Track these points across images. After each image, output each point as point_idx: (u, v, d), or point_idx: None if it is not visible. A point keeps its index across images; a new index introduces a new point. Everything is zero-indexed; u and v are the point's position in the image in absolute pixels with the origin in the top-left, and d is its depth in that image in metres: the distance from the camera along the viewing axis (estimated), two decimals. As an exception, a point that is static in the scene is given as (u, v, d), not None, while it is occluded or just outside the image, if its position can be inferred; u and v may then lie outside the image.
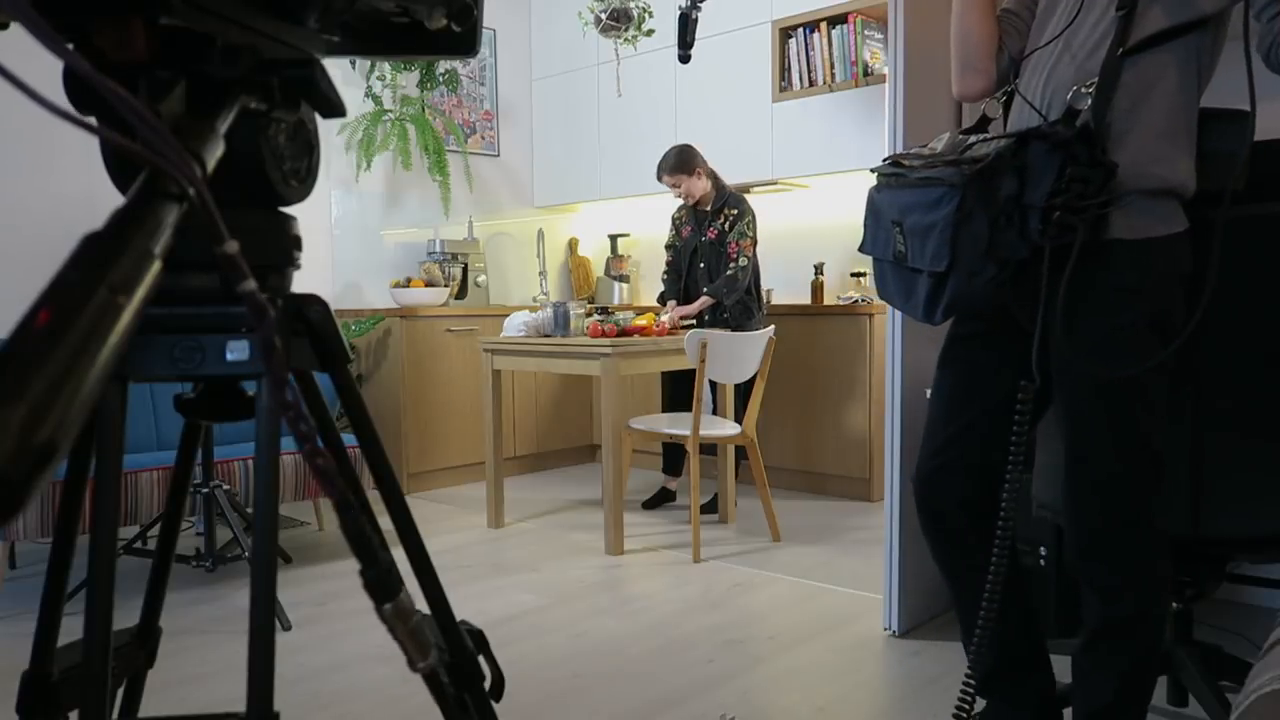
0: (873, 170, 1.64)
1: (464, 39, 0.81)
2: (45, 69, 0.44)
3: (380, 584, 0.61)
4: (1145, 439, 1.46)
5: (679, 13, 1.96)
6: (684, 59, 1.82)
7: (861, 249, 1.68)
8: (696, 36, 2.00)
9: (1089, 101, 1.40)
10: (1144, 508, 1.48)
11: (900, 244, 1.52)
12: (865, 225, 1.66)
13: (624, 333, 3.59)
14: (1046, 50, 1.52)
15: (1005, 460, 1.46)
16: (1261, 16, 1.35)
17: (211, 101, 0.60)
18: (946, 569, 1.74)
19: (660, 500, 4.17)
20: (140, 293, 0.40)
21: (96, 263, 0.39)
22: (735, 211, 3.91)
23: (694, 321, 3.89)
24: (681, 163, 3.89)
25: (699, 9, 1.96)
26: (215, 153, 0.55)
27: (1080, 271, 1.39)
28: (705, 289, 3.91)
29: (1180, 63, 1.41)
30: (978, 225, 1.37)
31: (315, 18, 0.68)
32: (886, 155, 1.59)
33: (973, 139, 1.49)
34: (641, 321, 3.65)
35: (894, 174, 1.55)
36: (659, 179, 3.97)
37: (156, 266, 0.42)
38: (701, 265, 3.98)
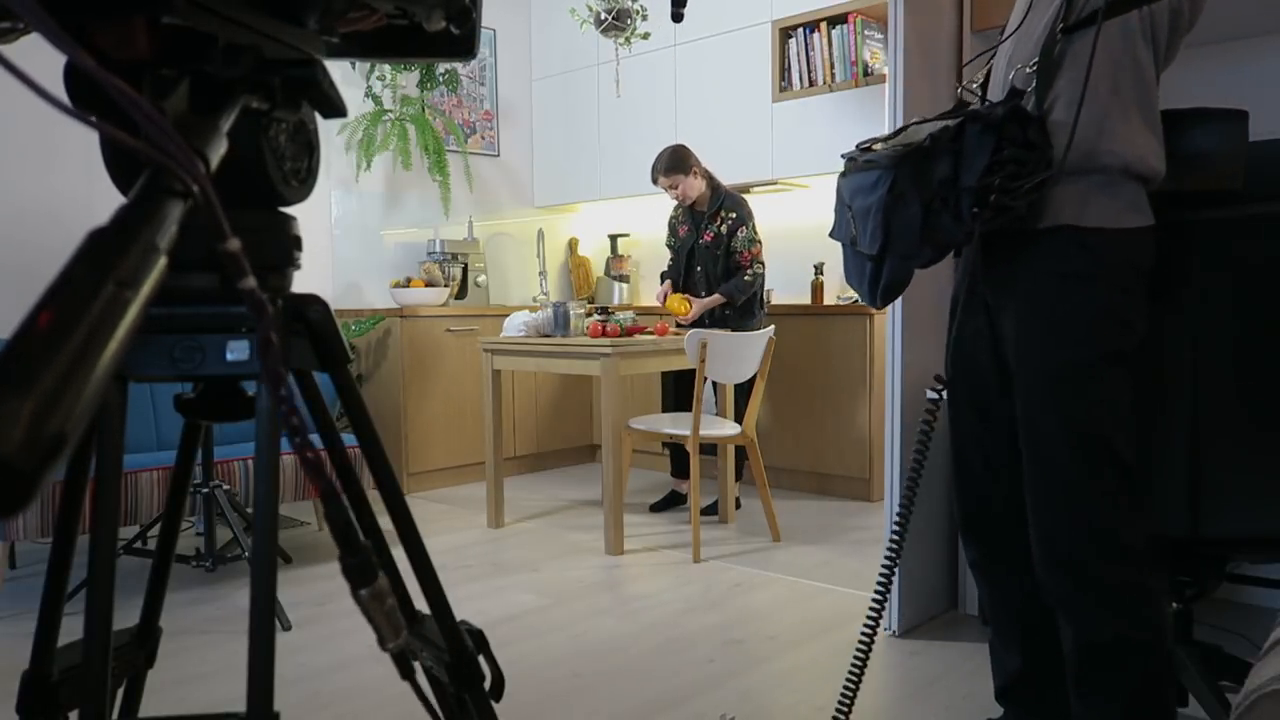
0: (842, 156, 1.62)
1: (462, 41, 0.82)
2: (43, 68, 0.44)
3: (360, 570, 0.62)
4: (1103, 438, 1.39)
5: None
6: (677, 18, 1.85)
7: (830, 234, 1.69)
8: (690, 47, 2.01)
9: (1033, 82, 1.37)
10: (1108, 516, 1.39)
11: (853, 227, 1.52)
12: (835, 211, 1.65)
13: (626, 333, 3.59)
14: (1010, 41, 1.52)
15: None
16: None
17: (214, 100, 0.60)
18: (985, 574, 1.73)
19: (669, 503, 4.14)
20: (146, 287, 0.40)
21: (102, 258, 0.39)
22: (734, 215, 3.88)
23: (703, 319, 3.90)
24: (676, 162, 3.85)
25: None
26: (219, 150, 0.55)
27: (1024, 257, 1.37)
28: (719, 288, 3.88)
29: (1128, 35, 1.36)
30: (910, 208, 1.36)
31: (315, 19, 0.68)
32: (861, 141, 1.58)
33: (912, 122, 1.48)
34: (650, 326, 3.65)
35: (851, 158, 1.55)
36: (654, 181, 3.93)
37: (162, 262, 0.42)
38: (698, 268, 3.96)
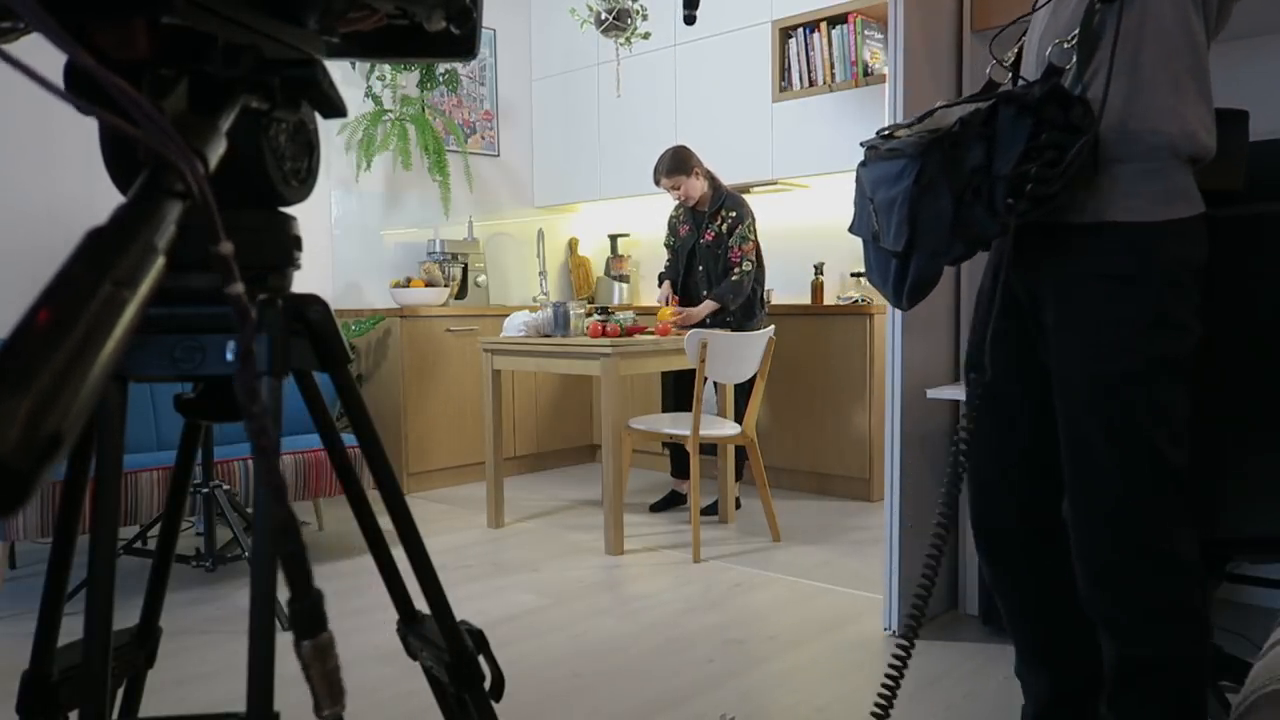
0: (862, 144, 1.51)
1: (462, 41, 0.81)
2: (43, 67, 0.44)
3: (307, 618, 0.59)
4: (1154, 451, 1.29)
5: None
6: (689, 20, 1.77)
7: (850, 229, 1.57)
8: (690, 47, 1.97)
9: (1073, 58, 1.26)
10: (1160, 533, 1.30)
11: (875, 222, 1.40)
12: (854, 203, 1.53)
13: (626, 333, 3.59)
14: (1043, 10, 1.40)
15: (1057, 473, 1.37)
16: None
17: (213, 100, 0.60)
18: (1002, 586, 1.60)
19: (670, 503, 4.14)
20: (144, 287, 0.40)
21: (101, 257, 0.39)
22: (734, 214, 3.88)
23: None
24: (678, 163, 3.86)
25: None
26: (217, 150, 0.55)
27: (1066, 256, 1.28)
28: (709, 294, 3.88)
29: (1179, 3, 1.26)
30: (940, 199, 1.24)
31: (315, 19, 0.68)
32: (882, 127, 1.47)
33: (938, 105, 1.36)
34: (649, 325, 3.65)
35: (873, 146, 1.43)
36: (656, 183, 3.94)
37: (160, 261, 0.42)
38: (700, 268, 3.96)
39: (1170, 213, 1.27)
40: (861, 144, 1.51)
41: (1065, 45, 1.28)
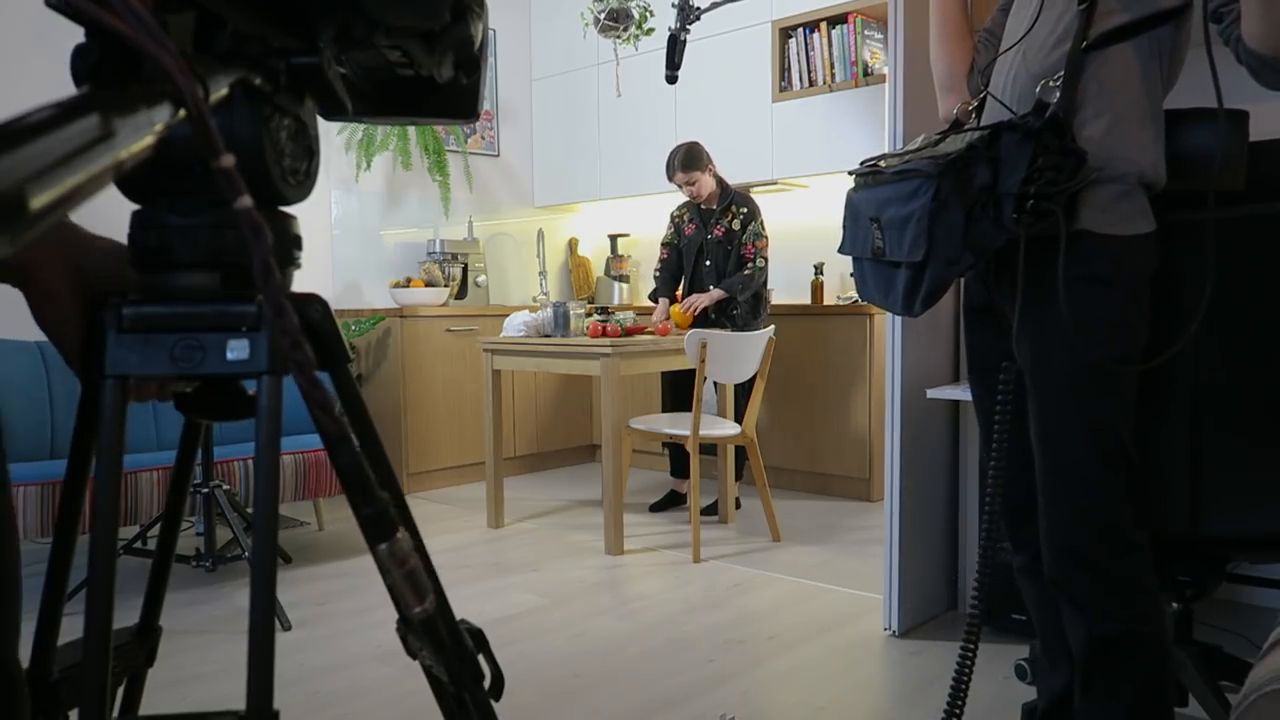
0: (850, 173, 1.67)
1: (465, 98, 0.82)
2: (42, 57, 0.44)
3: (377, 523, 0.57)
4: (1118, 436, 1.45)
5: (669, 33, 1.99)
6: (671, 79, 1.89)
7: (841, 250, 1.72)
8: (690, 47, 2.05)
9: (1057, 95, 1.43)
10: (1120, 512, 1.45)
11: (878, 240, 1.55)
12: (844, 227, 1.70)
13: (626, 333, 3.59)
14: (1011, 53, 1.57)
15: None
16: (1221, 20, 1.35)
17: (218, 55, 0.60)
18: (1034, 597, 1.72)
19: (669, 503, 4.14)
20: (128, 151, 0.40)
21: (105, 103, 0.39)
22: (745, 210, 3.91)
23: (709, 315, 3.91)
24: (693, 159, 3.87)
25: (688, 31, 1.99)
26: (217, 87, 0.55)
27: (1050, 261, 1.41)
28: (720, 284, 3.89)
29: (1143, 56, 1.44)
30: (953, 214, 1.40)
31: (329, 39, 0.68)
32: (866, 159, 1.63)
33: (938, 135, 1.53)
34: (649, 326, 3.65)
35: (870, 173, 1.58)
36: (670, 178, 3.94)
37: (149, 141, 0.42)
38: (708, 263, 3.98)
39: (1136, 229, 1.43)
40: (851, 173, 1.66)
41: (1051, 84, 1.45)
